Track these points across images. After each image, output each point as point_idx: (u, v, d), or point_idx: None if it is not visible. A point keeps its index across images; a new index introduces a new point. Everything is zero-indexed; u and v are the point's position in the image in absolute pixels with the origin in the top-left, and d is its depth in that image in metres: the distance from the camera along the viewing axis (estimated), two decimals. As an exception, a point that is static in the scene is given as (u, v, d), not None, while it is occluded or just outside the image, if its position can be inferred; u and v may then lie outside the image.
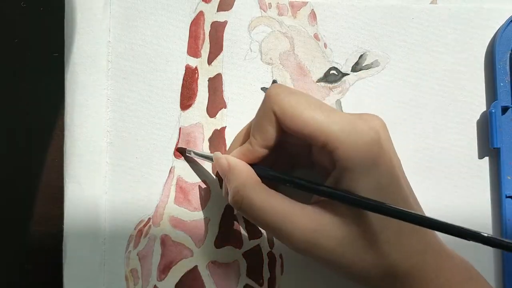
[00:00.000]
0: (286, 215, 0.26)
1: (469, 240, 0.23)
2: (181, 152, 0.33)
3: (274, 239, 0.33)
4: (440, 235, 0.26)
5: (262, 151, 0.28)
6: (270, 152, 0.28)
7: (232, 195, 0.27)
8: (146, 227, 0.32)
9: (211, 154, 0.30)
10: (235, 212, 0.33)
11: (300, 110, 0.26)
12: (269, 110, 0.27)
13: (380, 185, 0.25)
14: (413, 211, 0.24)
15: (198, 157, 0.32)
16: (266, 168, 0.28)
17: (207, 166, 0.33)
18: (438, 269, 0.26)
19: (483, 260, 0.33)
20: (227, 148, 0.33)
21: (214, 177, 0.33)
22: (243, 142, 0.30)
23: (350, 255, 0.26)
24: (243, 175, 0.27)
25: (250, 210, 0.27)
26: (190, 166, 0.33)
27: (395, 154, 0.27)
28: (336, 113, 0.26)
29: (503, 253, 0.32)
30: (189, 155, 0.32)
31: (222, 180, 0.32)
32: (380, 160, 0.26)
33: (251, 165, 0.28)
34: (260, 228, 0.33)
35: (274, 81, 0.33)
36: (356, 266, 0.26)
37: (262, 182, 0.28)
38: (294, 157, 0.31)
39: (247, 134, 0.30)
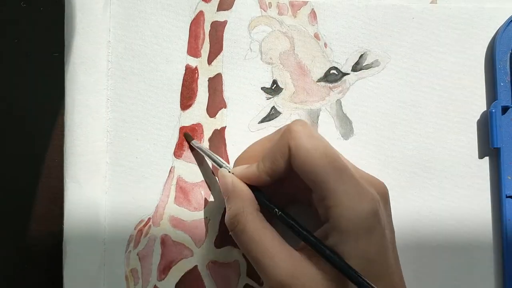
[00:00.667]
0: (271, 252, 0.26)
1: None
2: (186, 137, 0.33)
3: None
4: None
5: (266, 179, 0.28)
6: (273, 181, 0.28)
7: (229, 217, 0.28)
8: (146, 227, 0.32)
9: (218, 160, 0.31)
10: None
11: (314, 156, 0.26)
12: (286, 144, 0.27)
13: (368, 254, 0.25)
14: None
15: (202, 152, 0.32)
16: (263, 196, 0.29)
17: (207, 165, 0.33)
18: None
19: (484, 260, 0.33)
20: (227, 148, 0.33)
21: (215, 177, 0.33)
22: (254, 159, 0.30)
23: None
24: (245, 200, 0.28)
25: (241, 236, 0.27)
26: (191, 166, 0.33)
27: (390, 227, 0.28)
28: (347, 172, 0.26)
29: (504, 253, 0.32)
30: (193, 146, 0.32)
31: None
32: (374, 231, 0.26)
33: (252, 187, 0.29)
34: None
35: (275, 81, 0.33)
36: None
37: (261, 211, 0.28)
38: (296, 192, 0.30)
39: (260, 152, 0.30)
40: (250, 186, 0.29)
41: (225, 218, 0.28)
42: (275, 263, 0.26)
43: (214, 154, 0.31)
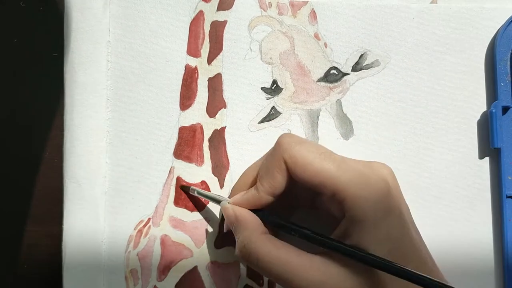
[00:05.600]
0: (293, 267, 0.26)
1: None
2: (184, 189, 0.32)
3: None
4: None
5: (268, 199, 0.28)
6: (275, 199, 0.28)
7: (239, 249, 0.27)
8: (146, 227, 0.32)
9: (217, 196, 0.30)
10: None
11: (310, 159, 0.26)
12: (280, 158, 0.27)
13: (391, 236, 0.25)
14: (422, 275, 0.24)
15: (201, 196, 0.32)
16: (271, 215, 0.28)
17: (207, 167, 0.33)
18: None
19: (484, 260, 0.33)
20: (227, 148, 0.33)
21: (214, 176, 0.33)
22: (250, 184, 0.30)
23: None
24: (250, 227, 0.28)
25: (257, 264, 0.27)
26: (190, 166, 0.33)
27: (404, 203, 0.28)
28: (346, 162, 0.26)
29: (504, 253, 0.32)
30: (192, 193, 0.32)
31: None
32: (390, 211, 0.26)
33: (256, 211, 0.28)
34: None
35: (274, 81, 0.33)
36: None
37: (268, 229, 0.28)
38: (296, 199, 0.30)
39: (254, 177, 0.30)
40: (254, 210, 0.29)
41: (236, 251, 0.28)
42: (299, 276, 0.26)
43: (213, 194, 0.31)
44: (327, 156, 0.26)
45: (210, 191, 0.33)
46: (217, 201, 0.30)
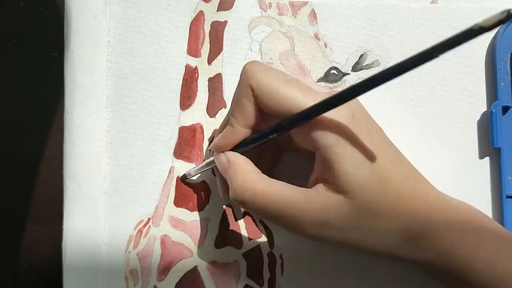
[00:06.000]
0: (291, 201, 0.26)
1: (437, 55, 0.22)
2: (182, 180, 0.33)
3: (274, 239, 0.33)
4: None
5: (243, 131, 0.27)
6: (251, 131, 0.28)
7: (234, 189, 0.27)
8: (146, 227, 0.32)
9: (210, 158, 0.30)
10: (235, 212, 0.33)
11: (276, 86, 0.26)
12: (247, 86, 0.26)
13: (367, 157, 0.25)
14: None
15: (198, 172, 0.32)
16: (251, 137, 0.28)
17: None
18: (448, 223, 0.26)
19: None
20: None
21: (214, 175, 0.33)
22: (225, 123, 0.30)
23: (360, 228, 0.26)
24: (243, 168, 0.27)
25: (254, 202, 0.26)
26: (190, 166, 0.33)
27: (373, 123, 0.27)
28: (312, 91, 0.26)
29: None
30: (189, 177, 0.32)
31: (219, 177, 0.31)
32: (359, 134, 0.25)
33: (236, 147, 0.28)
34: (259, 229, 0.33)
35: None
36: (367, 238, 0.26)
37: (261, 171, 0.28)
38: (277, 146, 0.30)
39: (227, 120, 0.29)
40: (236, 147, 0.28)
41: (230, 193, 0.27)
42: (301, 209, 0.25)
43: (201, 163, 0.31)
44: (293, 84, 0.26)
45: (210, 191, 0.33)
46: (210, 162, 0.30)
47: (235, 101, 0.27)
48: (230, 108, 0.28)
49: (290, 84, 0.26)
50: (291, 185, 0.27)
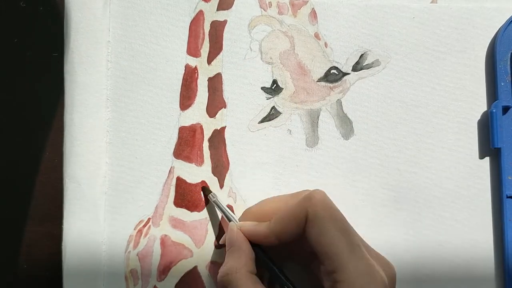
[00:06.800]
0: None
1: None
2: (204, 191, 0.33)
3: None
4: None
5: (274, 241, 0.28)
6: (280, 244, 0.28)
7: (222, 274, 0.28)
8: (146, 227, 0.32)
9: (230, 214, 0.31)
10: (234, 211, 0.33)
11: (331, 228, 0.26)
12: (304, 210, 0.27)
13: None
14: None
15: (216, 205, 0.32)
16: (265, 256, 0.29)
17: (207, 167, 0.33)
18: None
19: (485, 259, 0.33)
20: (227, 148, 0.33)
21: (214, 176, 0.33)
22: (264, 214, 0.30)
23: None
24: (242, 260, 0.28)
25: None
26: (190, 166, 0.33)
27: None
28: (361, 250, 0.26)
29: (505, 253, 0.32)
30: (210, 199, 0.32)
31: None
32: None
33: (256, 245, 0.29)
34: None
35: (275, 81, 0.33)
36: None
37: (257, 270, 0.28)
38: (297, 254, 0.31)
39: (272, 209, 0.30)
40: (254, 244, 0.29)
41: (218, 275, 0.28)
42: None
43: (227, 209, 0.31)
44: (347, 236, 0.26)
45: (210, 191, 0.33)
46: (228, 218, 0.31)
47: (284, 215, 0.28)
48: (278, 215, 0.29)
49: (344, 235, 0.26)
50: None
